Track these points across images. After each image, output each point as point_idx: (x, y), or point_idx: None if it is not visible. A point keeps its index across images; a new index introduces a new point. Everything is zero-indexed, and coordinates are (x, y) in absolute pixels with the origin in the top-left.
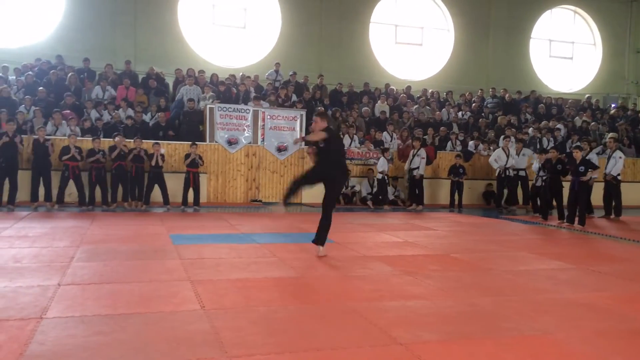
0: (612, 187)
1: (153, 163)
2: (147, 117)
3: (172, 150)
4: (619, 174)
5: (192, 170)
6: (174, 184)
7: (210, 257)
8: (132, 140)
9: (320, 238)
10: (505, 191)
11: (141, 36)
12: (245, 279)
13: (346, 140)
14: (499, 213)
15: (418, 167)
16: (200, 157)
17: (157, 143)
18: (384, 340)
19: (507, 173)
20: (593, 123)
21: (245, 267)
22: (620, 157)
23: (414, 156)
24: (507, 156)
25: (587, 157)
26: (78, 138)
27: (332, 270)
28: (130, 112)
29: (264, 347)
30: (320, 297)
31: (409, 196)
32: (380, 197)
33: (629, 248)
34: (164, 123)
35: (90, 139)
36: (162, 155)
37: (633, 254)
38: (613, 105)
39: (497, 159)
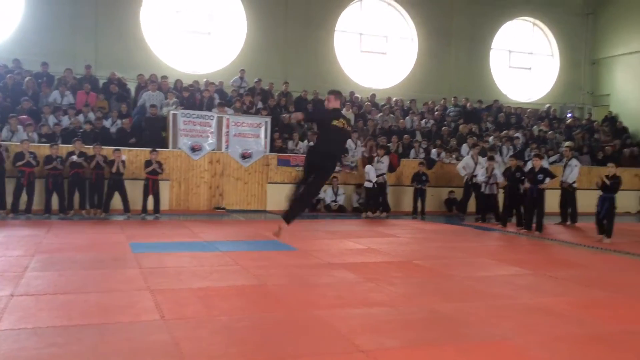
0: (569, 194)
1: (114, 170)
2: (107, 123)
3: (133, 157)
4: (574, 182)
5: (152, 178)
6: (135, 191)
7: (171, 266)
8: (92, 146)
9: (290, 216)
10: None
11: (102, 41)
12: (207, 288)
13: None
14: (459, 220)
15: (384, 174)
16: (160, 165)
17: (117, 149)
18: (347, 347)
19: (474, 180)
20: (550, 132)
21: (207, 275)
22: (576, 165)
23: (378, 162)
24: (475, 164)
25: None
26: (35, 144)
27: (295, 278)
28: (91, 116)
29: (225, 357)
30: (283, 305)
31: (373, 203)
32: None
33: (585, 254)
34: (129, 129)
35: (48, 145)
36: (123, 162)
37: (588, 259)
38: (569, 115)
39: (465, 166)
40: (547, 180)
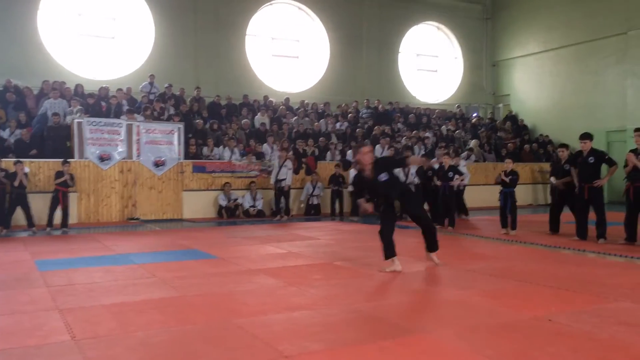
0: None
1: (16, 183)
2: (4, 134)
3: (36, 169)
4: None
5: (62, 190)
6: (39, 205)
7: (81, 283)
8: None
9: (433, 244)
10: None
11: None
12: (121, 303)
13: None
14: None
15: (285, 178)
16: (72, 177)
17: (19, 161)
18: (269, 354)
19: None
20: (457, 131)
21: (122, 290)
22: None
23: (281, 167)
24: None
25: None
26: None
27: (215, 287)
28: None
29: None
30: (203, 316)
31: (276, 207)
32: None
33: (493, 246)
34: (29, 140)
35: None
36: (26, 175)
37: (496, 251)
38: (474, 115)
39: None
40: (456, 177)
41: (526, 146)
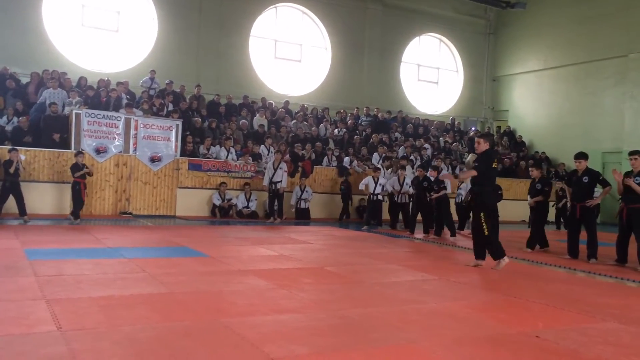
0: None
1: (12, 170)
2: (2, 121)
3: (32, 158)
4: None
5: (83, 181)
6: (33, 194)
7: (70, 274)
8: None
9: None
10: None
11: None
12: (109, 297)
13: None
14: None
15: (281, 181)
16: (88, 167)
17: (14, 149)
18: (255, 356)
19: (376, 198)
20: (454, 144)
21: (111, 283)
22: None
23: (276, 169)
24: (375, 184)
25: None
26: None
27: (205, 286)
28: None
29: None
30: (191, 313)
31: (270, 209)
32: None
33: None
34: (27, 128)
35: None
36: (21, 162)
37: (486, 264)
38: (472, 128)
39: (367, 184)
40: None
41: (522, 162)
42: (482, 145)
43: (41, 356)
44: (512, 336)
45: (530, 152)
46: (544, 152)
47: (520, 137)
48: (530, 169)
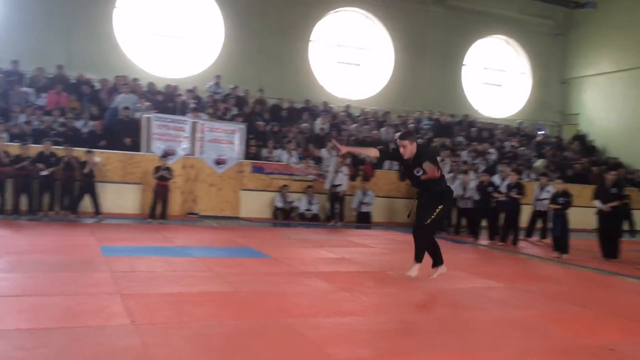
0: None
1: (86, 171)
2: (79, 124)
3: (105, 160)
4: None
5: (161, 183)
6: (107, 194)
7: (142, 270)
8: (63, 147)
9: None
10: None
11: (75, 41)
12: (178, 294)
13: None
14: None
15: (341, 184)
16: (169, 171)
17: (90, 151)
18: (319, 356)
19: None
20: (521, 148)
21: (179, 281)
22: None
23: (337, 173)
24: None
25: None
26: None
27: (268, 286)
28: (61, 117)
29: None
30: (255, 313)
31: (331, 212)
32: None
33: (554, 268)
34: (100, 131)
35: (18, 144)
36: (96, 164)
37: (557, 273)
38: (540, 132)
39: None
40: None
41: (594, 168)
42: (410, 148)
43: (116, 348)
44: (584, 348)
45: (602, 157)
46: (617, 158)
47: (592, 141)
48: (610, 173)
